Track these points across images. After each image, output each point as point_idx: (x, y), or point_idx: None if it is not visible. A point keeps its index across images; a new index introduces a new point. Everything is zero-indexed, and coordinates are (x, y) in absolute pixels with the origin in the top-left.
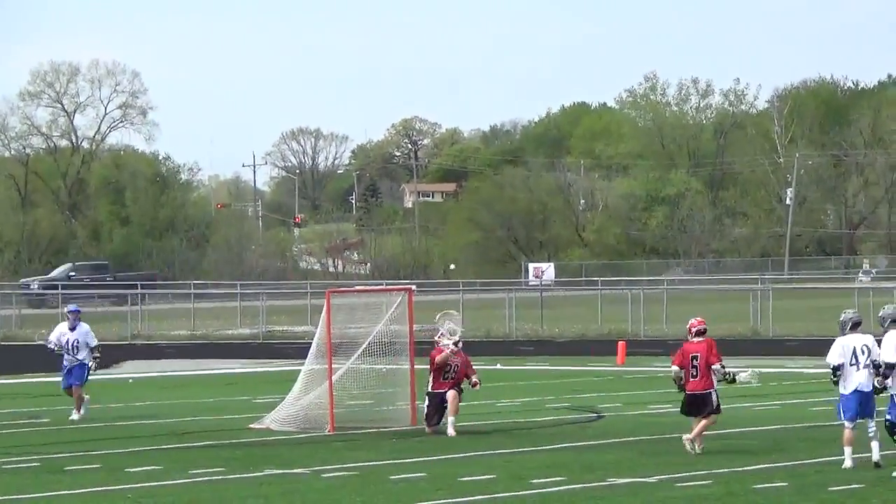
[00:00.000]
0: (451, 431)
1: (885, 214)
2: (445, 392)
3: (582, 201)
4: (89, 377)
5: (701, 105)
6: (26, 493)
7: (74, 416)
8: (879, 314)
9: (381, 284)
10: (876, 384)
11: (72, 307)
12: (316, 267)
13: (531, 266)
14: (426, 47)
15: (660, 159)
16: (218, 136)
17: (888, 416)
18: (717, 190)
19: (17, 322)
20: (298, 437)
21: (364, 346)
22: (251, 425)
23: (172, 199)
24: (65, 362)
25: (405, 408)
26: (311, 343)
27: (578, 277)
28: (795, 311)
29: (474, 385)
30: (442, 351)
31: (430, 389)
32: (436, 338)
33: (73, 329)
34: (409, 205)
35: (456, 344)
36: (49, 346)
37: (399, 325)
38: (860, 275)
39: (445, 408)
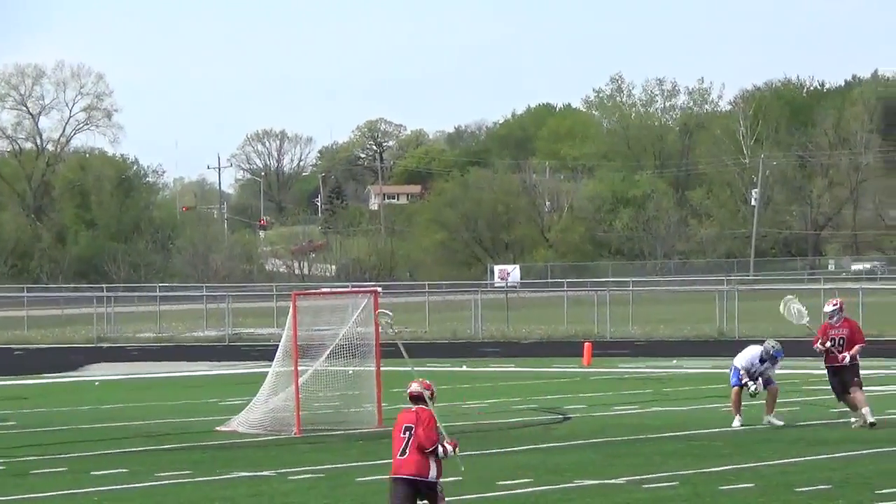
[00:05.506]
0: (869, 419)
1: (850, 215)
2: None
3: (547, 203)
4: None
5: (666, 106)
6: None
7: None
8: None
9: (347, 287)
10: None
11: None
12: (282, 269)
13: (496, 268)
14: (391, 49)
15: (625, 160)
16: (183, 138)
17: None
18: (683, 191)
19: None
20: (265, 439)
21: (331, 348)
22: (218, 427)
23: (137, 201)
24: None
25: (371, 409)
26: (277, 345)
27: (544, 279)
28: (761, 312)
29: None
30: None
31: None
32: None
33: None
34: (375, 207)
35: (832, 315)
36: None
37: (365, 327)
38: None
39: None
